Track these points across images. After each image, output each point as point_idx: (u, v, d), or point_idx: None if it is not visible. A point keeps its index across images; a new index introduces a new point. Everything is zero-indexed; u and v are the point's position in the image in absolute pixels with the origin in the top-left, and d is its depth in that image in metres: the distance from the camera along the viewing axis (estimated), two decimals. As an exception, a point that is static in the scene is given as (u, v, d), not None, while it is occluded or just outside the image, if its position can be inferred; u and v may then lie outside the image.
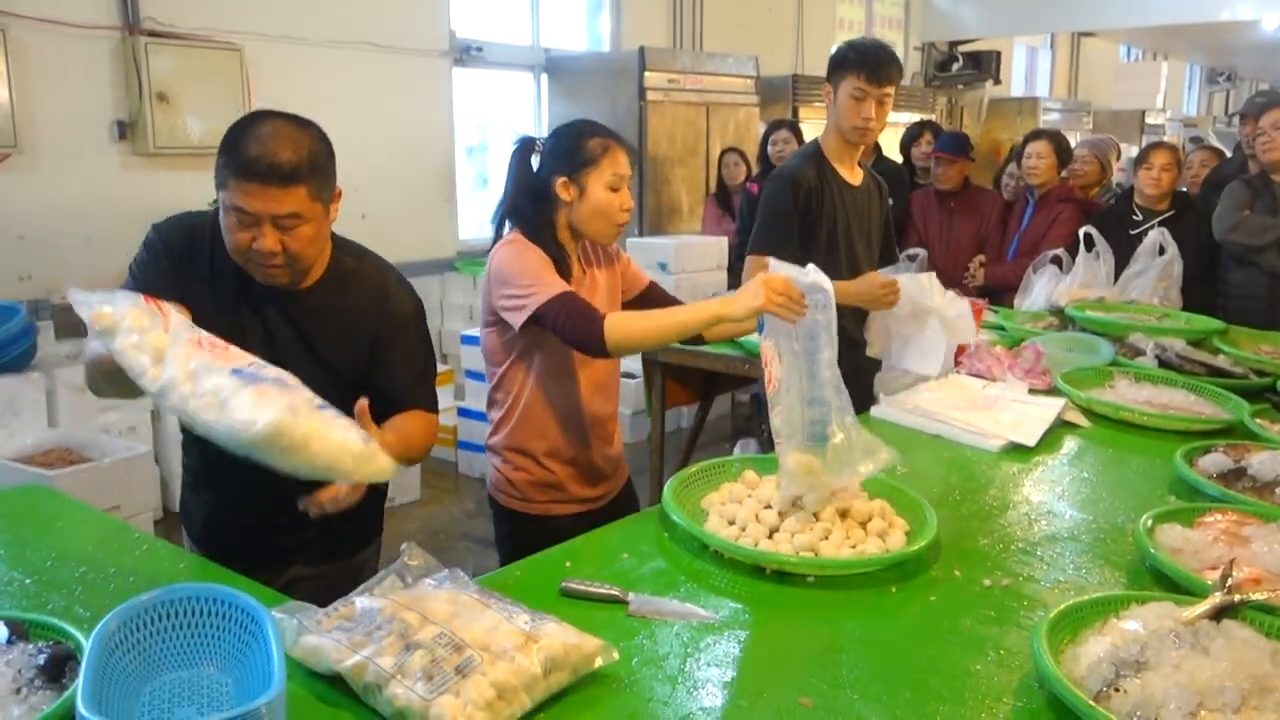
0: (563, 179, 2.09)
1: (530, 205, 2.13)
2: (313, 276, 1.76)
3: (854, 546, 1.67)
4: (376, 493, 1.93)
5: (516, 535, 2.25)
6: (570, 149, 2.10)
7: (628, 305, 2.30)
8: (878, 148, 5.04)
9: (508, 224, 2.20)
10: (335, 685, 1.23)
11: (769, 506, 1.75)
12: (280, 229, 1.60)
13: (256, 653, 1.19)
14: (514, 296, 2.00)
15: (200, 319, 1.55)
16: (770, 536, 1.69)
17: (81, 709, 1.00)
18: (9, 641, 1.27)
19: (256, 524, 1.85)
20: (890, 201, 4.67)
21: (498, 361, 2.20)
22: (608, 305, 2.19)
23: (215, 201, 1.66)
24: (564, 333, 1.95)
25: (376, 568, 1.98)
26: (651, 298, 2.34)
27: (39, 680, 1.21)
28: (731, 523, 1.74)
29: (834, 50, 2.82)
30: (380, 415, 1.66)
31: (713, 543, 1.66)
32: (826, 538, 1.68)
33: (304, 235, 1.62)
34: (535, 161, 2.18)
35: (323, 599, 1.37)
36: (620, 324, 1.94)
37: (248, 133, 1.57)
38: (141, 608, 1.22)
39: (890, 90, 2.71)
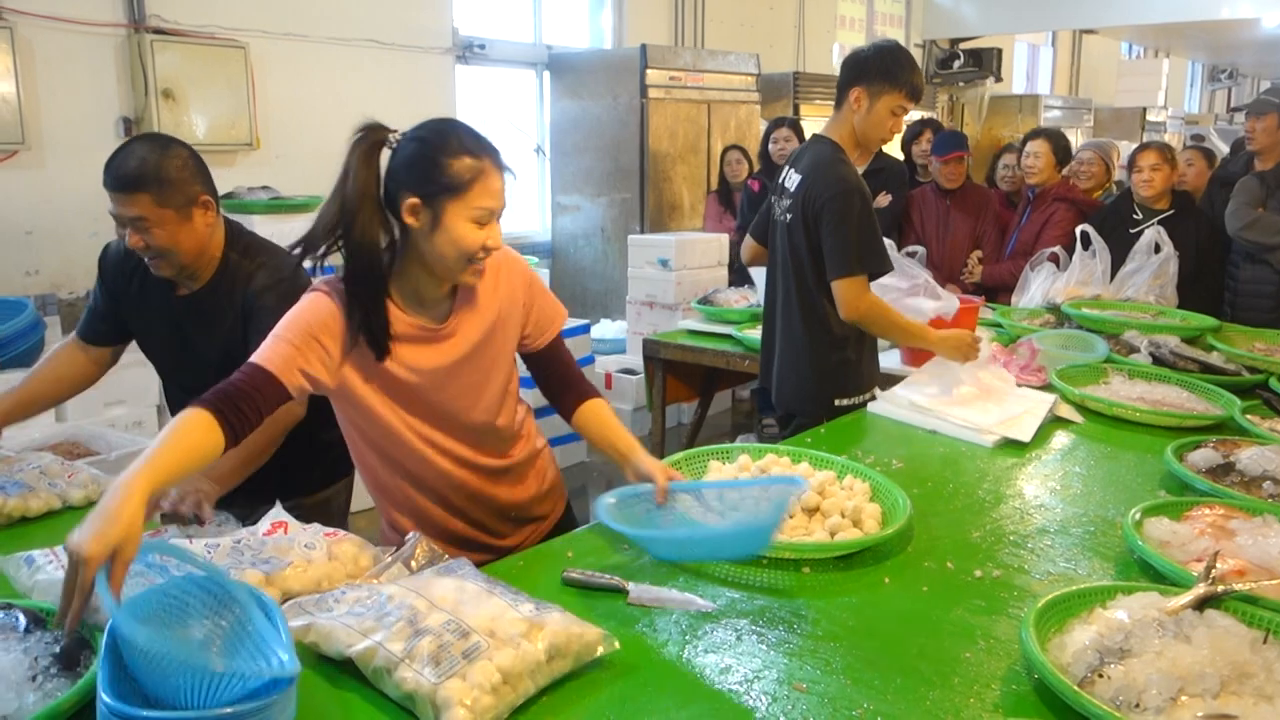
0: (412, 200, 1.61)
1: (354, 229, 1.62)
2: (201, 280, 2.08)
3: (833, 535, 1.72)
4: (324, 443, 2.13)
5: None
6: (428, 165, 1.61)
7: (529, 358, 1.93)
8: None
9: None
10: (345, 669, 1.27)
11: None
12: (137, 230, 1.92)
13: (268, 641, 1.22)
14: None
15: (137, 329, 2.18)
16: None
17: (104, 696, 1.03)
18: (26, 630, 1.30)
19: None
20: (890, 198, 4.70)
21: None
22: (481, 378, 1.79)
23: None
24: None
25: (346, 504, 2.43)
26: (546, 359, 1.91)
27: (54, 668, 1.24)
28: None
29: (864, 54, 2.68)
30: None
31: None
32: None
33: (159, 236, 1.93)
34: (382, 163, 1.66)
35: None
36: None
37: (118, 153, 1.93)
38: (155, 597, 1.25)
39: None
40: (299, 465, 2.18)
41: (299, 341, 1.59)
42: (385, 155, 1.65)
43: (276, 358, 1.57)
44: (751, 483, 1.77)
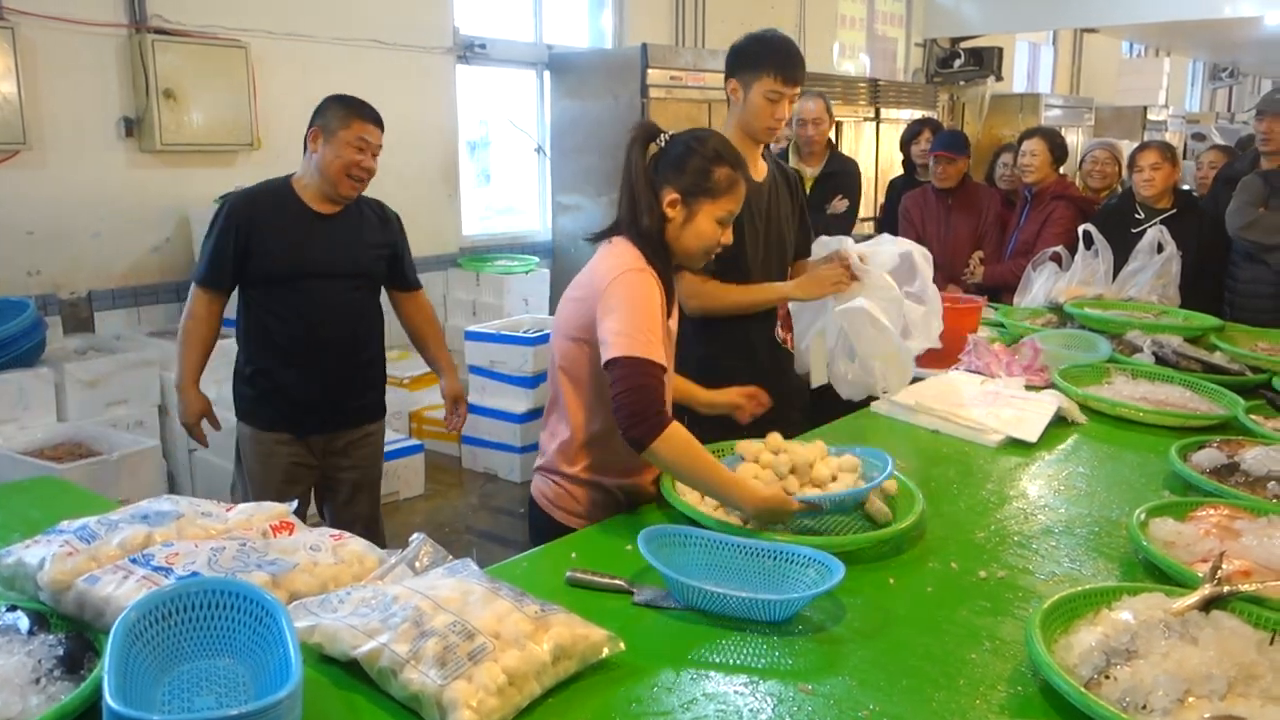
0: (673, 195, 1.88)
1: (645, 215, 1.89)
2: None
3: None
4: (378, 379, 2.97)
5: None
6: (694, 169, 1.88)
7: None
8: (832, 145, 4.87)
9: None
10: (350, 670, 1.27)
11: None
12: (374, 155, 2.73)
13: (271, 644, 1.22)
14: (613, 332, 1.78)
15: (276, 250, 2.68)
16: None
17: (110, 702, 1.02)
18: (30, 632, 1.30)
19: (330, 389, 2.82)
20: (847, 203, 4.56)
21: (581, 380, 1.93)
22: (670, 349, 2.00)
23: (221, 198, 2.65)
24: (619, 400, 1.73)
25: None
26: None
27: (58, 671, 1.23)
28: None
29: (736, 44, 2.61)
30: (403, 289, 3.01)
31: (708, 522, 1.72)
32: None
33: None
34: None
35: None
36: (677, 445, 1.73)
37: (358, 100, 2.80)
38: (159, 600, 1.23)
39: (799, 90, 2.54)
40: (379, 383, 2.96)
41: (661, 331, 1.81)
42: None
43: (658, 349, 1.78)
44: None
